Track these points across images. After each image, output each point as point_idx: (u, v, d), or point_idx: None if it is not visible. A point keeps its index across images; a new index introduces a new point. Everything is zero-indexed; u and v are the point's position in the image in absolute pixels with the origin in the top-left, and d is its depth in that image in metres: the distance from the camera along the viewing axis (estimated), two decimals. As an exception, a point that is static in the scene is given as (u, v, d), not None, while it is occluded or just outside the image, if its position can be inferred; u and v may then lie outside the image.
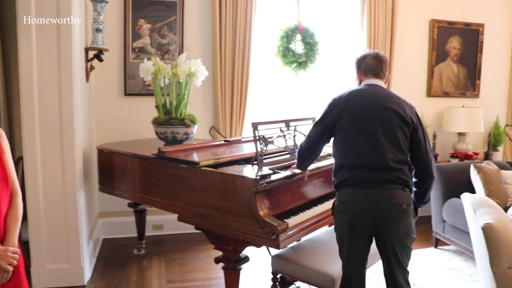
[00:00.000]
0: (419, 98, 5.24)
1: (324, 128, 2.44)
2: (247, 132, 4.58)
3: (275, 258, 2.72)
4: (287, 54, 4.77)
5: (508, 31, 5.54)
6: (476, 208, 2.33)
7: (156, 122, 3.49)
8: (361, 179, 2.28)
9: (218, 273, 3.50)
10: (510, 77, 5.58)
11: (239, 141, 3.62)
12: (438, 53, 5.18)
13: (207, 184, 2.67)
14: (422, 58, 5.19)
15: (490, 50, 5.45)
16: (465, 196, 2.66)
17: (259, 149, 2.86)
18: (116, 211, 4.35)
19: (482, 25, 5.34)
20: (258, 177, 2.50)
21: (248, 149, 3.32)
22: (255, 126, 2.89)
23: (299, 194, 2.95)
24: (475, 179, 3.95)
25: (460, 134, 5.12)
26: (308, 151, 2.56)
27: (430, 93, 5.24)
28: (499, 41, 5.51)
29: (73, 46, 3.15)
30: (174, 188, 2.88)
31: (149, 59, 3.51)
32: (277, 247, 2.42)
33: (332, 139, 2.46)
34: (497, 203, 3.76)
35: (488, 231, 2.14)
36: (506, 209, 3.36)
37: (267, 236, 2.42)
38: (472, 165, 3.98)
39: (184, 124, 3.45)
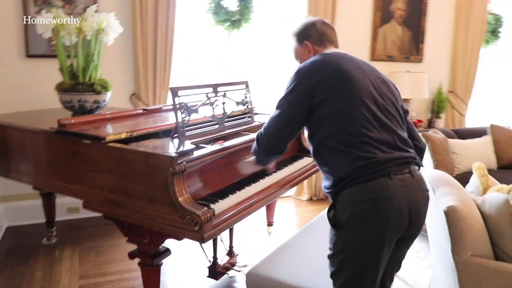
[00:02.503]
0: (362, 62, 4.91)
1: (305, 98, 1.78)
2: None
3: (250, 277, 2.25)
4: (219, 11, 4.26)
5: (452, -7, 5.30)
6: (435, 187, 2.00)
7: (60, 88, 2.89)
8: (384, 163, 1.67)
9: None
10: (453, 42, 5.37)
11: (159, 110, 3.10)
12: (382, 14, 4.84)
13: (115, 164, 2.16)
14: (366, 18, 4.84)
15: (434, 13, 5.18)
16: (427, 172, 2.33)
17: (179, 120, 2.39)
18: (21, 194, 3.72)
19: (427, -15, 5.05)
20: (176, 154, 2.02)
21: (171, 119, 2.82)
22: (174, 92, 2.41)
23: (229, 172, 2.51)
24: (422, 148, 3.69)
25: (404, 100, 4.85)
26: (281, 138, 1.90)
27: (373, 57, 4.92)
28: (443, 4, 5.25)
29: None
30: (77, 169, 2.34)
31: (48, 11, 2.87)
32: (201, 240, 1.98)
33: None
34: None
35: (451, 215, 1.81)
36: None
37: (189, 227, 1.97)
38: (419, 133, 3.70)
39: (94, 91, 2.87)
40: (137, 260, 2.26)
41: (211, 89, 2.71)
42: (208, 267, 2.87)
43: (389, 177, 1.65)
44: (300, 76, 1.82)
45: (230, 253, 3.08)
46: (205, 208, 2.03)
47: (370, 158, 1.67)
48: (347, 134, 1.71)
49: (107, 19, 2.91)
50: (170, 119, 2.86)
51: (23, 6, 3.50)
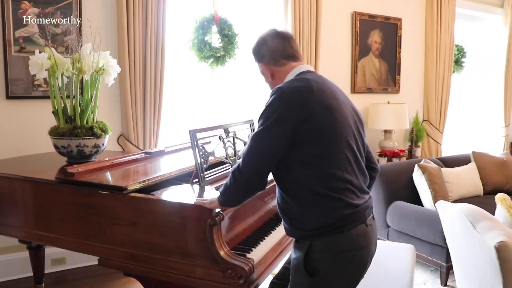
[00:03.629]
0: (344, 95, 4.96)
1: (290, 134, 1.60)
2: (163, 140, 3.89)
3: None
4: (203, 47, 4.17)
5: (422, 27, 5.52)
6: (474, 222, 1.97)
7: (56, 132, 2.66)
8: (363, 211, 1.69)
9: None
10: (425, 72, 5.57)
11: (162, 153, 2.94)
12: (361, 48, 4.95)
13: (140, 217, 1.99)
14: (346, 52, 4.92)
15: (407, 45, 5.38)
16: (446, 205, 2.31)
17: (199, 163, 2.25)
18: (4, 247, 3.38)
19: (400, 20, 5.23)
20: (213, 203, 1.89)
21: (178, 162, 2.68)
22: (193, 134, 2.29)
23: (253, 218, 2.39)
24: (420, 180, 3.72)
25: (386, 131, 4.94)
26: (263, 171, 1.67)
27: (355, 89, 4.99)
28: (415, 36, 5.47)
29: None
30: (91, 223, 2.13)
31: (41, 51, 2.67)
32: (247, 295, 1.83)
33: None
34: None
35: (503, 251, 1.79)
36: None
37: (232, 281, 1.82)
38: (416, 165, 3.75)
39: (94, 134, 2.67)
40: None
41: (222, 130, 2.61)
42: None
43: (365, 224, 1.68)
44: (285, 106, 1.62)
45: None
46: (245, 258, 1.90)
47: (356, 205, 1.65)
48: (334, 179, 1.63)
49: (105, 58, 2.76)
50: (175, 162, 2.72)
51: (3, 44, 3.26)
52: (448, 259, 3.33)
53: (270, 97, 1.68)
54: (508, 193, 4.08)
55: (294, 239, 1.78)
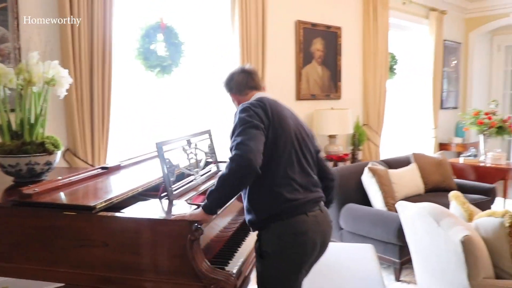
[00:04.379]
0: (290, 101, 5.04)
1: (262, 132, 1.97)
2: (113, 154, 3.73)
3: None
4: (149, 56, 4.07)
5: (359, 35, 5.76)
6: (438, 219, 2.08)
7: (2, 150, 2.45)
8: (303, 204, 2.00)
9: None
10: (363, 79, 5.81)
11: (119, 167, 2.81)
12: (304, 55, 5.05)
13: (111, 236, 1.88)
14: (290, 60, 5.00)
15: (347, 53, 5.58)
16: (406, 205, 2.42)
17: (167, 177, 2.19)
18: None
19: (339, 28, 5.42)
20: (191, 218, 1.83)
21: (139, 177, 2.58)
22: (160, 146, 2.22)
23: (224, 229, 2.35)
24: (370, 182, 3.86)
25: (331, 136, 5.08)
26: (260, 150, 1.88)
27: (299, 96, 5.09)
28: (354, 44, 5.68)
29: None
30: (54, 246, 1.98)
31: (-20, 62, 2.46)
32: (231, 309, 1.80)
33: None
34: (391, 204, 3.74)
35: (468, 244, 1.92)
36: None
37: (215, 297, 1.77)
38: (367, 168, 3.89)
39: (45, 151, 2.49)
40: None
41: (185, 141, 2.57)
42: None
43: (306, 215, 1.98)
44: (254, 114, 1.96)
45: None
46: (225, 272, 1.86)
47: (294, 200, 1.97)
48: (279, 176, 1.98)
49: (55, 68, 2.58)
50: (135, 177, 2.61)
51: None
52: (401, 255, 3.48)
53: (239, 112, 2.01)
54: (446, 190, 4.36)
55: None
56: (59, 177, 2.39)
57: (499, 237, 2.04)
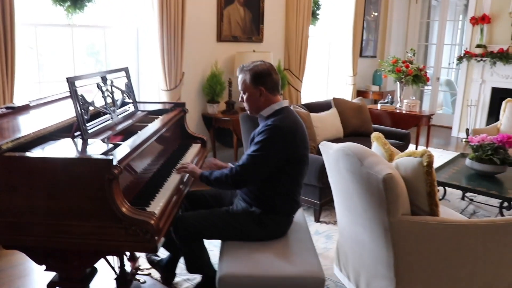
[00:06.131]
0: (210, 43, 4.91)
1: (273, 165, 2.29)
2: (19, 94, 3.42)
3: (224, 281, 2.00)
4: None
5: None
6: (362, 158, 2.15)
7: None
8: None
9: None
10: (286, 22, 5.77)
11: (27, 107, 2.58)
12: (226, -5, 4.88)
13: (21, 179, 1.73)
14: (211, 0, 4.81)
15: (269, -5, 5.47)
16: (331, 146, 2.47)
17: (80, 115, 2.05)
18: None
19: (263, -32, 5.27)
20: (110, 156, 1.73)
21: (49, 116, 2.38)
22: (71, 82, 2.07)
23: (146, 168, 2.27)
24: (292, 124, 3.91)
25: (252, 80, 5.03)
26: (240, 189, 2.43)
27: (220, 38, 4.95)
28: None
29: None
30: (-47, 191, 1.80)
31: None
32: (154, 250, 1.76)
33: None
34: (312, 146, 3.84)
35: (389, 182, 2.00)
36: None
37: (136, 238, 1.72)
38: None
39: None
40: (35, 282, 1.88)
41: (99, 78, 2.41)
42: (115, 279, 2.55)
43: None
44: (278, 145, 2.22)
45: (132, 257, 2.80)
46: (147, 212, 1.81)
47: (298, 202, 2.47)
48: (296, 184, 2.40)
49: None
50: (51, 116, 2.41)
51: None
52: (321, 197, 3.62)
53: (272, 130, 2.22)
54: (364, 135, 4.56)
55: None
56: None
57: (417, 176, 2.15)
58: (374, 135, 2.61)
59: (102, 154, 1.79)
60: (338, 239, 2.78)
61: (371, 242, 2.27)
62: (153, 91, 4.49)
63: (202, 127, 4.98)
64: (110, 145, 1.96)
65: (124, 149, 1.94)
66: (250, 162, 2.22)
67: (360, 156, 2.19)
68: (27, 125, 2.23)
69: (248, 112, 2.43)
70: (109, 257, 2.44)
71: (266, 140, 2.21)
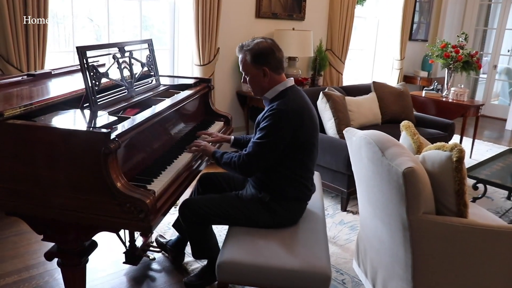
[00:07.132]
0: (248, 19, 4.76)
1: (280, 148, 2.16)
2: (51, 62, 3.45)
3: (223, 267, 1.93)
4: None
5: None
6: (383, 149, 1.97)
7: None
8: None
9: (40, 257, 2.56)
10: (330, 1, 5.51)
11: (49, 75, 2.57)
12: (267, -29, 4.70)
13: (21, 147, 1.70)
14: (251, -25, 4.65)
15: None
16: (355, 132, 2.29)
17: (89, 86, 2.00)
18: None
19: None
20: (108, 129, 1.66)
21: (68, 86, 2.35)
22: (82, 51, 2.01)
23: (152, 146, 2.20)
24: (324, 107, 3.74)
25: (290, 58, 4.86)
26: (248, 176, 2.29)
27: (259, 14, 4.79)
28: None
29: None
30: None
31: None
32: (148, 230, 1.69)
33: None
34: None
35: (409, 176, 1.81)
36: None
37: (130, 216, 1.66)
38: (322, 93, 3.74)
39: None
40: (36, 251, 1.86)
41: (116, 49, 2.34)
42: (124, 253, 2.54)
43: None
44: (285, 130, 2.10)
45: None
46: (145, 190, 1.73)
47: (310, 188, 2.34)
48: (306, 169, 2.26)
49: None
50: (70, 85, 2.39)
51: None
52: (349, 185, 3.45)
53: (277, 114, 2.09)
54: (403, 122, 4.30)
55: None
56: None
57: (445, 171, 1.94)
58: (404, 123, 2.41)
59: (103, 127, 1.73)
60: (359, 232, 2.62)
61: (390, 239, 2.10)
62: (187, 65, 4.42)
63: (236, 105, 4.88)
64: (114, 118, 1.89)
65: (127, 123, 1.86)
66: (256, 151, 2.11)
67: (381, 145, 2.01)
68: (42, 93, 2.21)
69: (253, 94, 2.29)
70: (121, 231, 2.43)
71: (271, 126, 2.09)
